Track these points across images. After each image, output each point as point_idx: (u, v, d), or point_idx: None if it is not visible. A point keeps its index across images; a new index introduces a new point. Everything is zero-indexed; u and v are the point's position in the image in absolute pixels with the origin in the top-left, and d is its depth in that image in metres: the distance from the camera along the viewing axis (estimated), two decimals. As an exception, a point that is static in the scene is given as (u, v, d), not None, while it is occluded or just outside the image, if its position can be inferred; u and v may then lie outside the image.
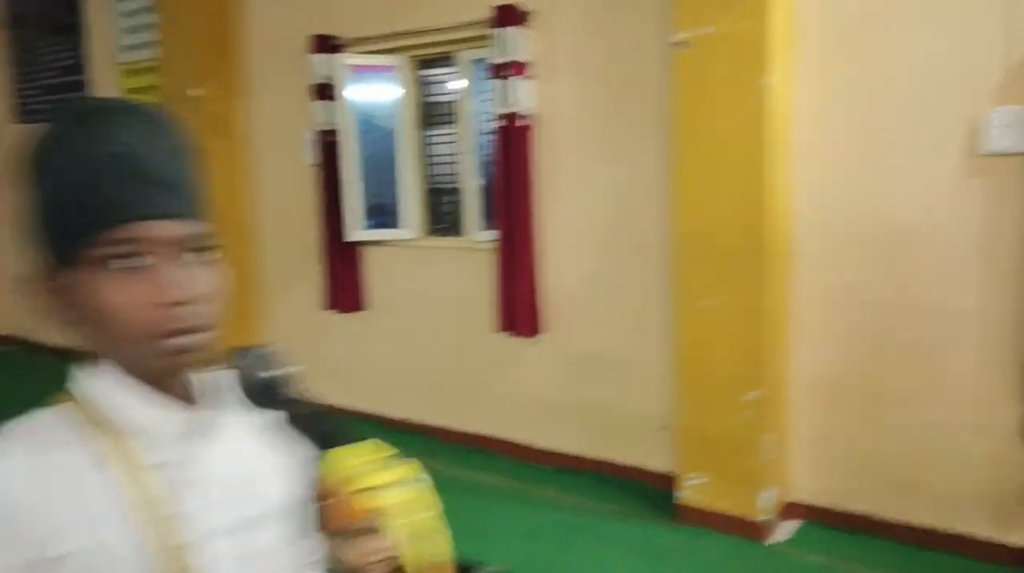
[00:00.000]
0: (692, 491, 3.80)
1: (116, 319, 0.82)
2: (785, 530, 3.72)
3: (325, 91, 4.93)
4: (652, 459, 4.19)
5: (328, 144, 4.97)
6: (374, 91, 4.98)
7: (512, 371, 4.66)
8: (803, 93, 3.57)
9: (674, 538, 3.70)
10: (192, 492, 0.88)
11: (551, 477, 4.39)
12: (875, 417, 3.58)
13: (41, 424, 0.85)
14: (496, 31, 4.13)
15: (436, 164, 5.09)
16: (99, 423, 0.85)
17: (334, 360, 5.27)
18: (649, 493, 4.12)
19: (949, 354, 3.38)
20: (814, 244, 3.63)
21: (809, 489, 3.79)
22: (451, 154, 4.97)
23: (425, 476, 0.88)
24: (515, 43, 4.10)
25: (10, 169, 0.88)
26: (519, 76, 4.12)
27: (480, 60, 4.55)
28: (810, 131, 3.58)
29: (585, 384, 4.39)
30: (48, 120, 0.87)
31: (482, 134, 4.72)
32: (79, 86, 6.73)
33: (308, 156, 5.21)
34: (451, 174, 4.99)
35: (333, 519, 0.88)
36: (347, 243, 5.05)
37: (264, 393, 0.89)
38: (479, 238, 4.71)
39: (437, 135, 5.04)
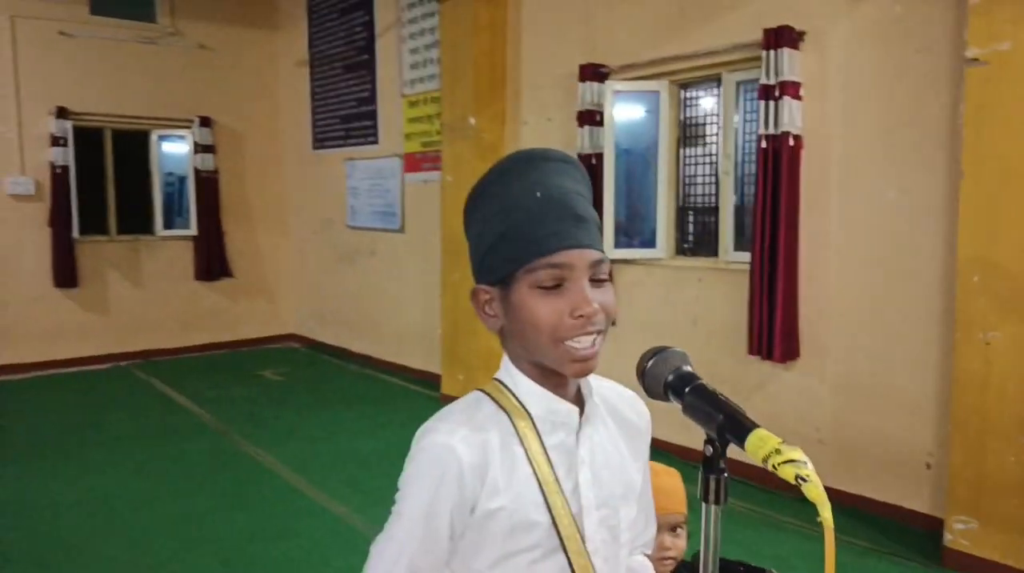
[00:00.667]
0: (960, 535, 3.53)
1: (540, 327, 1.02)
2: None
3: (590, 117, 5.21)
4: (915, 499, 3.94)
5: (589, 168, 5.24)
6: (634, 113, 5.20)
7: (763, 396, 4.59)
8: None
9: (941, 582, 3.46)
10: (582, 471, 1.09)
11: (798, 507, 4.26)
12: None
13: (472, 407, 1.09)
14: (768, 52, 4.17)
15: (689, 184, 5.18)
16: (514, 409, 1.08)
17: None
18: (909, 534, 3.87)
19: None
20: None
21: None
22: (705, 174, 5.04)
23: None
24: (787, 64, 4.11)
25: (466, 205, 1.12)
26: (790, 97, 4.12)
27: (745, 81, 4.60)
28: None
29: (843, 414, 4.23)
30: (487, 170, 1.11)
31: (741, 154, 4.75)
32: (371, 115, 7.61)
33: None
34: (704, 194, 5.06)
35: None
36: (602, 262, 5.25)
37: (675, 385, 1.02)
38: (733, 258, 4.72)
39: (692, 155, 5.14)
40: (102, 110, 7.82)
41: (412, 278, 7.19)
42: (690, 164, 5.19)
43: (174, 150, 8.42)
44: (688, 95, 5.15)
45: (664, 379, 1.01)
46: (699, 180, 5.13)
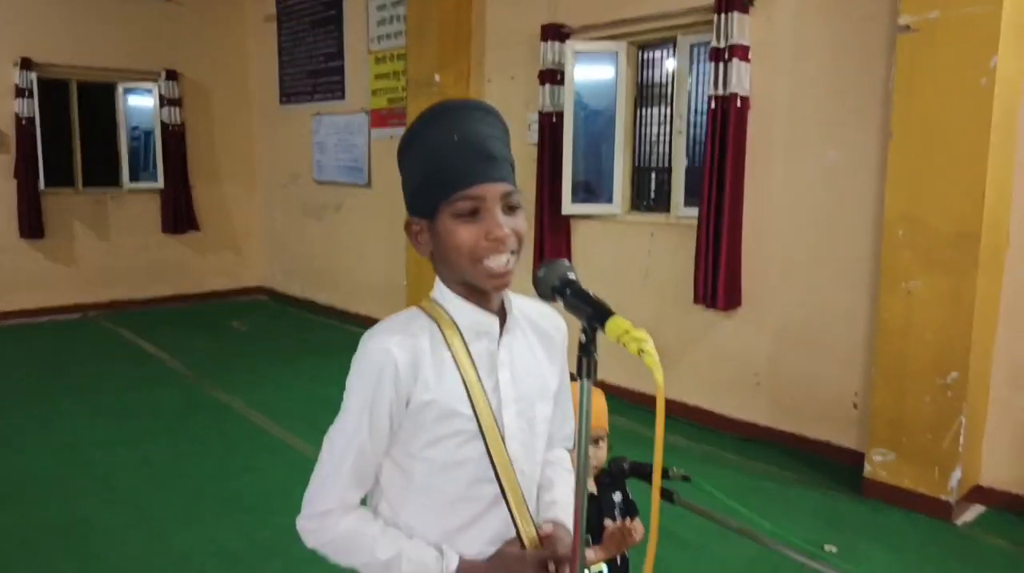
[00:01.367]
0: (879, 466, 3.85)
1: (461, 249, 1.20)
2: (970, 512, 3.70)
3: (551, 76, 5.38)
4: (842, 436, 4.27)
5: (550, 125, 5.43)
6: (597, 74, 5.38)
7: (707, 343, 4.87)
8: (1033, 77, 3.53)
9: (858, 509, 3.79)
10: (501, 372, 1.28)
11: (739, 445, 4.58)
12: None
13: (408, 319, 1.28)
14: (719, 15, 4.37)
15: (653, 144, 5.40)
16: (443, 320, 1.27)
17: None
18: (836, 468, 4.20)
19: None
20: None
21: (998, 475, 3.74)
22: (666, 135, 5.26)
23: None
24: (737, 27, 4.32)
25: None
26: (738, 59, 4.33)
27: (699, 44, 4.80)
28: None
29: (780, 359, 4.53)
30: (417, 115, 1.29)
31: (696, 116, 4.96)
32: (338, 71, 7.68)
33: (532, 136, 5.70)
34: (664, 154, 5.29)
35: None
36: (561, 217, 5.47)
37: (559, 288, 1.20)
38: (683, 214, 4.96)
39: (654, 116, 5.35)
40: (67, 61, 7.78)
41: (378, 232, 7.35)
42: (651, 124, 5.40)
43: (141, 103, 8.42)
44: (649, 56, 5.34)
45: (552, 284, 1.19)
46: (660, 140, 5.35)
